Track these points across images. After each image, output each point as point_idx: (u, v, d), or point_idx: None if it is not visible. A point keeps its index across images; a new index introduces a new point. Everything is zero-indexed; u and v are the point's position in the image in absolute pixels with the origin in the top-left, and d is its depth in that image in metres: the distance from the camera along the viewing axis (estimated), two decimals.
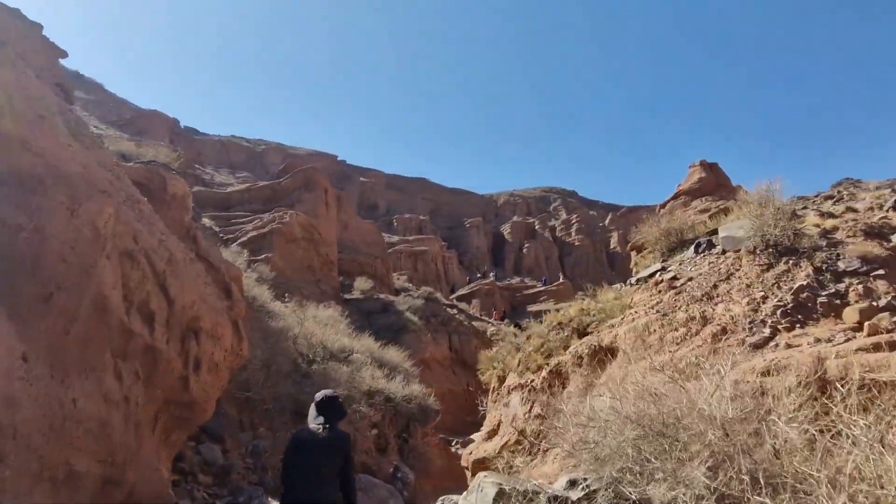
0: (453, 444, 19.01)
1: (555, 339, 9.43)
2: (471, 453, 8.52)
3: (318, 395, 5.15)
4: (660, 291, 8.49)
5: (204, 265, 9.48)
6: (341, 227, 37.54)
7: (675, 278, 8.82)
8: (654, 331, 7.02)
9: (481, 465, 7.94)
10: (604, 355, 7.74)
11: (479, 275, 64.68)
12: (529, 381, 9.04)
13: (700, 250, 9.91)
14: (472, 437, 21.02)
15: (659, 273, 10.15)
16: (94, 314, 5.01)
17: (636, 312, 8.20)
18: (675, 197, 23.93)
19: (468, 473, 8.90)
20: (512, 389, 9.09)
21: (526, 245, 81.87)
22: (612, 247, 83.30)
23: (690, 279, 8.27)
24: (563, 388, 7.96)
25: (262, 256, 25.43)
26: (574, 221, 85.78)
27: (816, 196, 10.97)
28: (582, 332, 9.24)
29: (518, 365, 9.66)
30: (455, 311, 32.54)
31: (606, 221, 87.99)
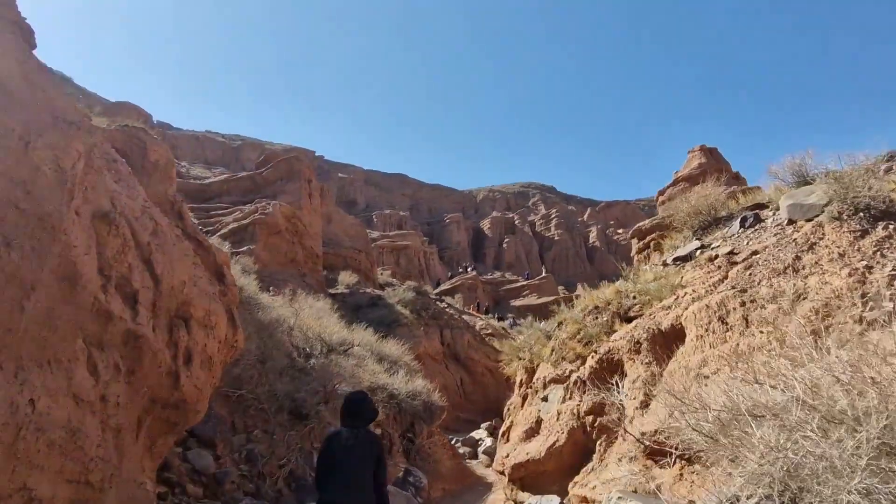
0: (452, 442, 17.81)
1: (593, 324, 8.28)
2: (507, 456, 7.33)
3: (348, 396, 5.09)
4: (719, 267, 7.39)
5: (192, 245, 8.13)
6: (324, 221, 36.07)
7: (732, 253, 7.75)
8: (734, 309, 5.90)
9: (523, 469, 6.79)
10: (664, 340, 6.62)
11: (460, 270, 63.56)
12: (568, 372, 7.89)
13: (747, 224, 8.91)
14: (473, 434, 19.86)
15: (701, 250, 9.12)
16: (60, 286, 3.71)
17: (694, 292, 7.10)
18: (675, 183, 23.05)
19: (500, 479, 7.72)
20: (549, 382, 7.93)
21: (506, 240, 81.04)
22: (591, 241, 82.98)
23: (755, 252, 7.19)
24: (619, 378, 6.82)
25: (245, 248, 23.90)
26: (553, 216, 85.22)
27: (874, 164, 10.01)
28: (624, 316, 8.12)
29: (551, 354, 8.51)
30: (445, 304, 31.33)
31: (585, 216, 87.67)
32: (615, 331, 7.94)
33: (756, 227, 8.59)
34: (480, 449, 17.31)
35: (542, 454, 6.61)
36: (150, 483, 7.12)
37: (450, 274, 60.29)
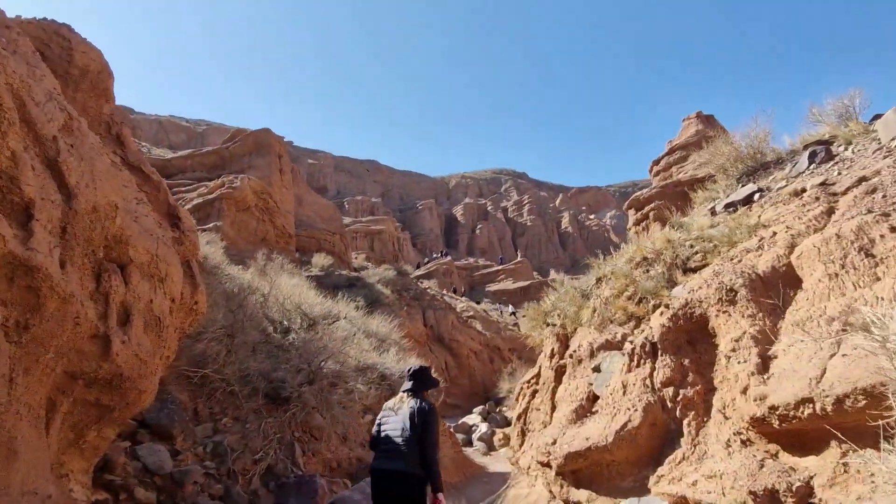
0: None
1: (644, 277, 6.61)
2: (553, 443, 5.60)
3: (408, 367, 5.07)
4: (817, 199, 5.79)
5: (137, 178, 6.17)
6: (296, 203, 33.90)
7: (826, 184, 6.15)
8: (880, 237, 4.25)
9: (581, 459, 5.07)
10: (764, 287, 4.97)
11: (435, 255, 61.81)
12: (620, 336, 6.20)
13: (818, 159, 7.39)
14: (465, 419, 18.13)
15: (759, 193, 7.57)
16: None
17: (789, 228, 5.48)
18: (670, 153, 21.61)
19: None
20: (598, 349, 6.22)
21: (479, 226, 79.57)
22: (563, 227, 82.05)
23: (863, 179, 5.59)
24: (704, 338, 5.14)
25: (211, 225, 21.72)
26: (526, 202, 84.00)
27: None
28: (683, 267, 6.47)
29: (593, 316, 6.81)
30: (426, 285, 29.53)
31: (557, 202, 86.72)
32: (676, 283, 6.28)
33: (836, 160, 7.04)
34: (475, 435, 15.62)
35: (610, 440, 4.89)
36: (82, 489, 5.21)
37: (426, 259, 58.47)
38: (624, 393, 5.20)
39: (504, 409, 19.33)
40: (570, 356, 6.53)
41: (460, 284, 52.97)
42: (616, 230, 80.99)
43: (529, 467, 7.89)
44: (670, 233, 7.21)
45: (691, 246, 6.81)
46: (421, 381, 4.78)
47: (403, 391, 4.72)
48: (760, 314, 4.74)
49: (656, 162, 21.93)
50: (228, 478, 7.34)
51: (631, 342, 5.82)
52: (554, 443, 5.55)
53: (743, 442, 4.29)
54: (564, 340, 7.19)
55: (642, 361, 5.31)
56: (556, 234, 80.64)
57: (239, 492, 7.18)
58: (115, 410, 4.88)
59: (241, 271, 11.18)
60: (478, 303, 42.59)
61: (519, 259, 61.87)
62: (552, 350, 7.19)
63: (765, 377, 4.22)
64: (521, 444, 8.83)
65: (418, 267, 51.41)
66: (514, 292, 53.19)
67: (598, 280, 7.27)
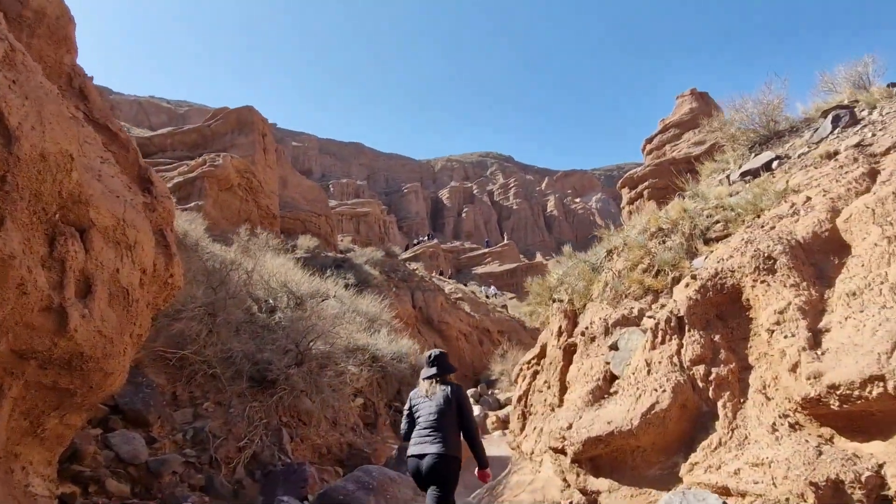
0: None
1: (661, 248, 6.09)
2: (569, 427, 5.07)
3: (428, 352, 5.00)
4: (855, 160, 5.28)
5: (103, 137, 5.49)
6: (280, 184, 33.01)
7: (861, 145, 5.64)
8: None
9: (602, 445, 4.56)
10: (805, 254, 4.47)
11: (421, 238, 61.15)
12: (637, 311, 5.69)
13: (842, 122, 6.90)
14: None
15: (778, 161, 7.09)
16: None
17: (827, 192, 4.97)
18: (664, 130, 21.11)
19: (556, 461, 5.53)
20: (613, 325, 5.69)
21: (464, 209, 78.97)
22: (549, 210, 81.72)
23: None
24: (738, 310, 4.63)
25: (192, 205, 20.88)
26: (512, 185, 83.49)
27: None
28: (703, 237, 5.96)
29: (605, 290, 6.28)
30: (414, 267, 28.94)
31: (543, 185, 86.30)
32: (696, 254, 5.77)
33: (864, 123, 6.55)
34: None
35: (636, 423, 4.37)
36: (43, 482, 4.62)
37: (415, 241, 57.81)
38: (648, 372, 4.67)
39: (496, 391, 18.90)
40: (582, 334, 5.99)
41: (447, 267, 52.45)
42: (601, 213, 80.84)
43: (533, 452, 7.39)
44: (686, 202, 6.68)
45: (709, 216, 6.29)
46: (444, 366, 4.84)
47: (429, 377, 4.74)
48: (804, 283, 4.23)
49: (649, 140, 21.45)
50: (211, 466, 6.77)
51: (652, 317, 5.30)
52: (569, 427, 5.02)
53: (791, 426, 3.79)
54: (573, 317, 6.65)
55: (667, 337, 4.78)
56: (542, 218, 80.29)
57: (222, 481, 6.62)
58: (77, 395, 4.27)
59: (224, 249, 10.50)
60: (465, 286, 42.15)
61: (505, 242, 61.47)
62: (559, 327, 6.65)
63: (818, 353, 3.71)
64: (523, 428, 8.33)
65: (406, 249, 50.75)
66: (501, 275, 52.82)
67: (609, 252, 6.72)
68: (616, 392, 5.06)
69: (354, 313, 11.85)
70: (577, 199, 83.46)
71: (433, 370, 4.77)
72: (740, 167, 8.05)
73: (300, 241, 27.56)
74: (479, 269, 55.32)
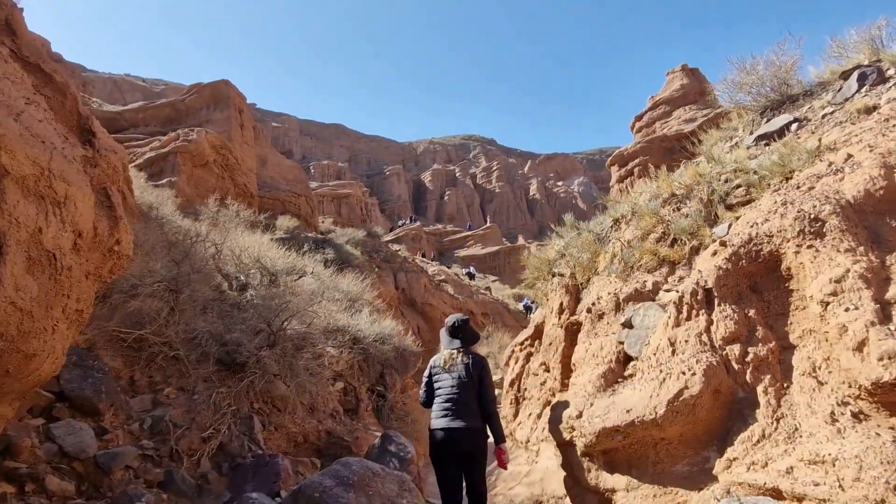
0: None
1: (677, 215, 5.43)
2: (578, 416, 4.40)
3: (450, 320, 4.89)
4: None
5: (34, 79, 4.63)
6: (259, 164, 31.88)
7: None
8: None
9: (619, 437, 3.89)
10: (857, 215, 3.82)
11: (404, 221, 60.30)
12: (651, 285, 5.02)
13: (869, 81, 6.32)
14: None
15: (798, 123, 6.50)
16: None
17: (873, 147, 4.34)
18: (654, 107, 20.48)
19: (563, 454, 4.89)
20: (624, 301, 5.02)
21: (447, 192, 78.17)
22: (531, 194, 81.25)
23: None
24: (776, 280, 3.98)
25: (165, 181, 19.83)
26: (494, 168, 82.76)
27: None
28: (724, 202, 5.31)
29: (613, 262, 5.60)
30: (397, 248, 28.16)
31: (525, 169, 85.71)
32: (717, 221, 5.12)
33: (894, 81, 5.93)
34: None
35: (661, 412, 3.70)
36: None
37: (400, 223, 56.98)
38: (673, 352, 4.01)
39: None
40: (588, 310, 5.31)
41: (429, 250, 51.75)
42: (583, 197, 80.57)
43: (529, 441, 6.77)
44: (700, 167, 6.01)
45: (727, 180, 5.64)
46: (467, 336, 4.66)
47: (452, 348, 4.58)
48: (861, 248, 3.58)
49: (639, 117, 20.81)
50: (171, 459, 6.00)
51: (675, 290, 4.63)
52: (579, 416, 4.36)
53: (854, 415, 3.16)
54: (575, 293, 5.98)
55: (694, 313, 4.12)
56: (525, 201, 79.81)
57: (184, 476, 5.86)
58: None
59: (192, 222, 9.64)
60: (448, 268, 41.49)
61: (488, 225, 60.87)
62: (560, 304, 5.97)
63: (891, 328, 3.07)
64: (516, 414, 7.70)
65: (392, 231, 49.96)
66: (484, 258, 52.30)
67: (616, 221, 6.04)
68: (633, 375, 4.40)
69: (334, 291, 11.10)
70: (560, 183, 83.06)
71: (457, 342, 4.59)
72: (751, 133, 7.44)
73: (279, 222, 26.60)
74: (462, 252, 54.75)
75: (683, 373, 3.81)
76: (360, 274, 13.47)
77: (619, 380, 4.49)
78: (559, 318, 5.97)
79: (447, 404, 4.29)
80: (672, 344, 4.10)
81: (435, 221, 70.69)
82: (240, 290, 8.17)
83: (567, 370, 5.66)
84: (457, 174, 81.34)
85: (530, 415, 7.08)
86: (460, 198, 76.79)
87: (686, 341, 4.02)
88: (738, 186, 5.45)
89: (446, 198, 76.71)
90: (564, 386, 5.56)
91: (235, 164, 23.83)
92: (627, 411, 3.95)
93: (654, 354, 4.18)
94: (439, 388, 4.44)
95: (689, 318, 4.14)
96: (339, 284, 11.66)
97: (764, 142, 6.68)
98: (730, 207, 5.27)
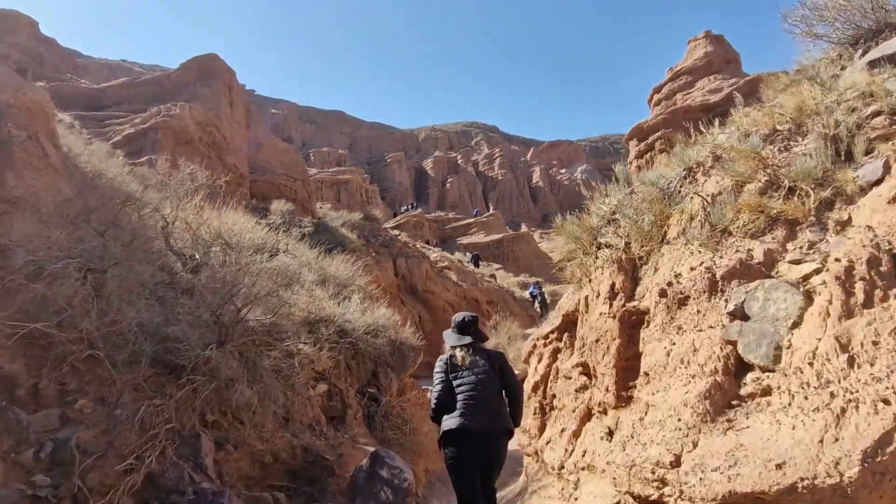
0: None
1: (792, 156, 3.69)
2: (675, 463, 2.73)
3: (458, 317, 4.45)
4: None
5: None
6: (253, 147, 30.15)
7: None
8: None
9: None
10: None
11: (405, 208, 58.57)
12: (763, 255, 3.30)
13: None
14: None
15: None
16: None
17: None
18: (674, 78, 18.63)
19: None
20: (724, 280, 3.29)
21: (449, 180, 76.21)
22: (534, 181, 79.25)
23: None
24: None
25: (144, 159, 18.07)
26: (497, 156, 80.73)
27: None
28: (850, 138, 3.56)
29: (692, 225, 3.87)
30: (397, 233, 26.44)
31: (528, 156, 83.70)
32: (855, 160, 3.38)
33: None
34: None
35: (852, 472, 2.00)
36: None
37: (402, 209, 55.27)
38: (851, 362, 2.31)
39: None
40: (662, 293, 3.60)
41: (431, 237, 50.01)
42: (587, 185, 78.55)
43: (563, 468, 5.07)
44: (811, 92, 4.24)
45: (852, 109, 3.88)
46: (478, 333, 4.37)
47: (462, 345, 4.23)
48: None
49: (657, 89, 18.97)
50: (76, 499, 4.33)
51: (813, 261, 2.91)
52: (676, 463, 2.65)
53: None
54: (632, 270, 4.25)
55: (880, 294, 2.42)
56: (528, 189, 77.86)
57: None
58: None
59: (140, 185, 7.88)
60: (451, 254, 39.79)
61: (491, 212, 59.08)
62: (612, 286, 4.25)
63: None
64: (542, 428, 6.01)
65: (394, 217, 48.31)
66: (487, 245, 50.58)
67: (690, 172, 4.28)
68: (759, 395, 2.68)
69: (320, 277, 9.40)
70: (563, 171, 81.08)
71: (467, 339, 4.26)
72: (852, 62, 5.69)
73: (274, 206, 24.90)
74: (465, 240, 53.01)
75: (888, 401, 2.08)
76: (352, 257, 11.72)
77: (735, 402, 2.77)
78: (610, 306, 4.24)
79: (469, 402, 3.92)
80: (844, 346, 2.37)
81: (437, 209, 68.83)
82: (193, 272, 6.46)
83: (625, 377, 3.96)
84: (459, 161, 79.30)
85: (563, 431, 5.38)
86: (462, 185, 74.87)
87: (876, 343, 2.28)
88: (877, 114, 3.71)
89: (448, 185, 74.80)
90: (622, 401, 3.86)
91: (224, 143, 22.08)
92: (778, 466, 2.23)
93: (809, 364, 2.46)
94: (464, 387, 4.03)
95: (872, 304, 2.41)
96: (327, 269, 9.95)
97: (884, 64, 4.95)
98: (873, 142, 3.53)
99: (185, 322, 5.59)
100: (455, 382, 4.08)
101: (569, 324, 6.30)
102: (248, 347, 5.57)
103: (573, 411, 5.33)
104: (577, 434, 5.13)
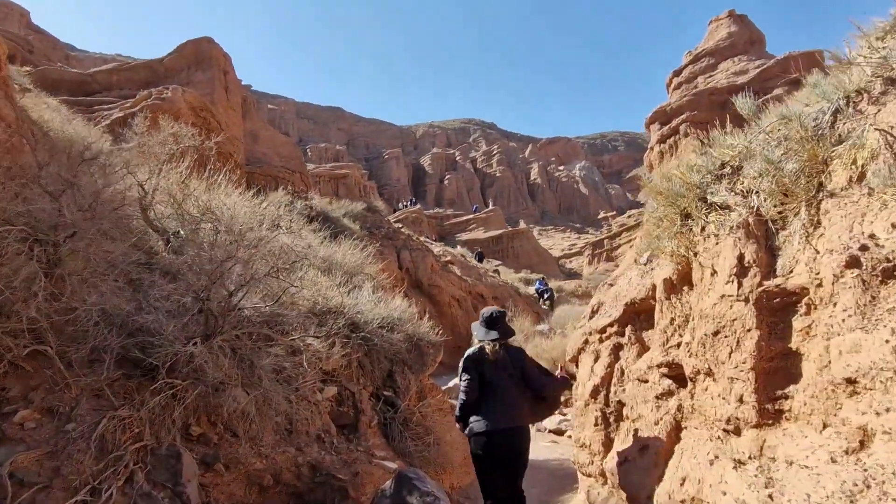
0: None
1: None
2: None
3: (486, 311, 4.38)
4: None
5: None
6: (250, 139, 28.96)
7: None
8: None
9: None
10: None
11: (404, 204, 57.39)
12: None
13: None
14: (457, 381, 14.14)
15: None
16: None
17: None
18: (695, 60, 17.47)
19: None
20: None
21: (447, 176, 75.19)
22: (532, 178, 78.27)
23: None
24: None
25: (133, 143, 16.79)
26: (495, 152, 79.70)
27: None
28: None
29: (872, 168, 2.69)
30: (400, 225, 25.26)
31: (526, 153, 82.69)
32: None
33: None
34: None
35: None
36: None
37: (401, 205, 54.20)
38: None
39: None
40: (852, 263, 2.42)
41: (430, 233, 48.88)
42: (585, 182, 77.71)
43: (650, 499, 3.90)
44: None
45: None
46: (505, 328, 4.23)
47: (491, 340, 4.07)
48: None
49: (677, 72, 17.81)
50: None
51: None
52: None
53: None
54: (765, 238, 3.09)
55: None
56: (526, 186, 76.87)
57: None
58: None
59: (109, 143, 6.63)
60: (452, 248, 38.65)
61: (491, 208, 57.98)
62: (740, 259, 3.07)
63: None
64: (608, 444, 4.84)
65: (394, 213, 47.20)
66: (486, 242, 49.46)
67: (848, 101, 3.11)
68: None
69: (325, 264, 8.22)
70: (561, 167, 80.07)
71: (494, 333, 4.11)
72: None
73: (271, 197, 23.60)
74: (464, 236, 51.94)
75: None
76: (361, 243, 10.52)
77: None
78: (739, 286, 3.07)
79: (501, 403, 3.82)
80: None
81: (434, 206, 67.71)
82: (175, 253, 5.25)
83: (769, 383, 2.79)
84: (457, 158, 78.18)
85: (644, 449, 4.23)
86: (460, 182, 73.78)
87: None
88: None
89: (446, 182, 73.71)
90: (767, 417, 2.70)
91: (218, 130, 20.77)
92: None
93: None
94: (495, 384, 3.92)
95: None
96: (333, 256, 8.76)
97: None
98: None
99: (162, 310, 4.38)
100: (492, 383, 3.92)
101: (632, 315, 5.13)
102: (242, 342, 4.37)
103: (655, 424, 4.17)
104: (666, 454, 3.97)
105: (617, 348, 5.17)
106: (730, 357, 3.06)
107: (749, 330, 2.96)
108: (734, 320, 3.07)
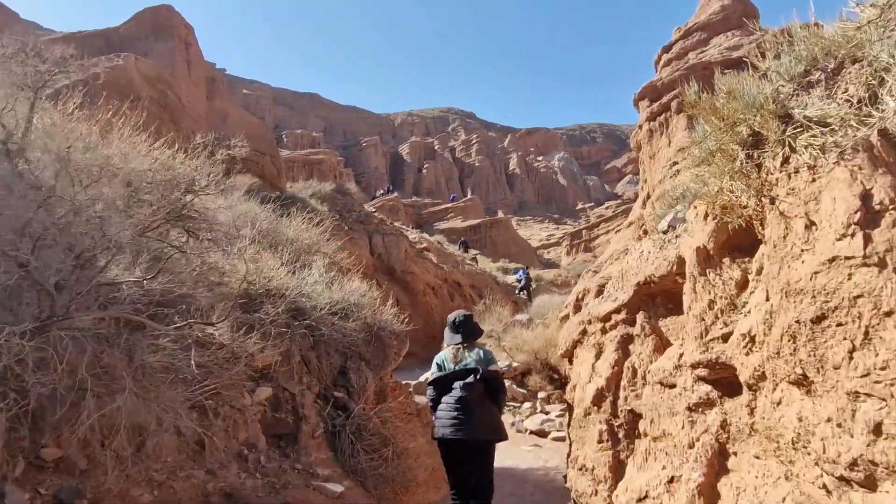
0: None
1: None
2: None
3: (451, 316, 4.34)
4: None
5: None
6: (219, 119, 27.17)
7: None
8: None
9: None
10: None
11: (381, 192, 55.87)
12: None
13: None
14: (424, 377, 12.89)
15: None
16: None
17: None
18: (686, 35, 16.37)
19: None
20: None
21: (425, 165, 73.65)
22: (511, 168, 77.12)
23: None
24: None
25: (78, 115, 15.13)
26: (474, 142, 78.34)
27: None
28: None
29: None
30: (374, 210, 23.88)
31: (505, 143, 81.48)
32: None
33: None
34: None
35: None
36: None
37: (378, 193, 52.74)
38: None
39: None
40: None
41: (408, 222, 47.45)
42: (564, 173, 76.87)
43: None
44: None
45: None
46: (469, 331, 4.15)
47: (455, 345, 4.09)
48: None
49: (666, 49, 16.71)
50: None
51: None
52: None
53: None
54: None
55: None
56: (504, 175, 75.73)
57: None
58: None
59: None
60: (430, 236, 37.36)
61: (469, 197, 56.76)
62: (864, 196, 1.90)
63: None
64: (619, 472, 3.65)
65: (373, 200, 45.79)
66: (464, 231, 48.23)
67: None
68: None
69: (270, 241, 6.89)
70: (540, 158, 79.08)
71: (458, 337, 4.09)
72: None
73: (237, 180, 22.04)
74: (442, 225, 50.63)
75: None
76: (318, 220, 9.17)
77: None
78: (864, 240, 1.85)
79: (455, 411, 3.74)
80: None
81: (412, 195, 66.20)
82: (49, 212, 3.88)
83: None
84: (435, 147, 76.63)
85: (672, 480, 3.03)
86: (439, 171, 72.35)
87: None
88: None
89: (424, 171, 72.22)
90: None
91: (178, 105, 19.18)
92: None
93: None
94: (445, 393, 3.88)
95: None
96: (282, 229, 7.43)
97: None
98: None
99: (29, 292, 3.04)
100: (446, 388, 3.92)
101: (645, 298, 3.93)
102: (110, 329, 3.06)
103: (689, 447, 2.97)
104: (705, 489, 2.77)
105: (626, 341, 3.97)
106: (850, 357, 1.84)
107: (891, 313, 1.74)
108: (857, 297, 1.85)
